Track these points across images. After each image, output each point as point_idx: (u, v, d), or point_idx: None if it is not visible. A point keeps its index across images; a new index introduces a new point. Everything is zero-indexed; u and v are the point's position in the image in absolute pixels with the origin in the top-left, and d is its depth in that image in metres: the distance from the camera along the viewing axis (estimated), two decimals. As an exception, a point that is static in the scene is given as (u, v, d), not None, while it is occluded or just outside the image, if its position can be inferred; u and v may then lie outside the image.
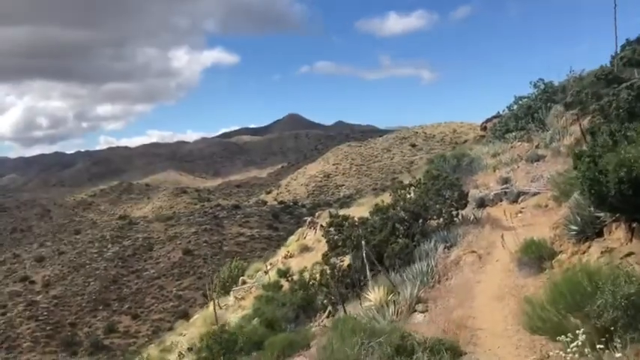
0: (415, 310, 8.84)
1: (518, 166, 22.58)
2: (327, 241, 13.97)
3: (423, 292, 9.43)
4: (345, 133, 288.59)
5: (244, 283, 26.91)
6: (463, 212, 15.58)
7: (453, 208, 14.21)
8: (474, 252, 11.35)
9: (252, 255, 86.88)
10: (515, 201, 18.98)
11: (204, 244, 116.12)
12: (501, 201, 19.84)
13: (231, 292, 26.23)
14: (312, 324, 14.27)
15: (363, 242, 11.42)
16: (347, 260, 13.73)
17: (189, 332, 26.62)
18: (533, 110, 25.35)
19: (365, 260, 11.13)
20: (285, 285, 17.64)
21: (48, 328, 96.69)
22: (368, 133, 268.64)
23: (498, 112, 33.64)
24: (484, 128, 38.72)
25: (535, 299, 5.85)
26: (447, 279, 10.56)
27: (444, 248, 12.35)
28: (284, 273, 18.86)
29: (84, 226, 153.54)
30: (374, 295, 9.12)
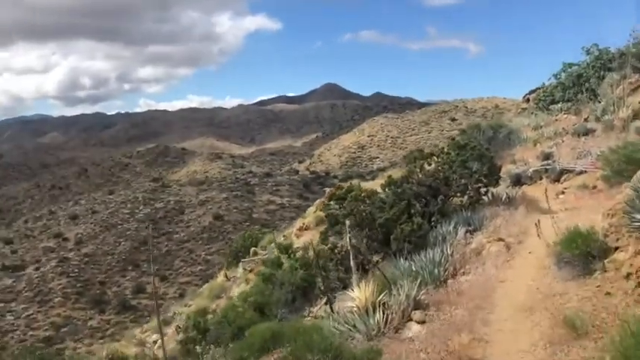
0: (411, 319, 6.61)
1: (563, 141, 19.86)
2: (325, 216, 11.88)
3: (424, 294, 7.14)
4: (382, 105, 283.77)
5: (256, 254, 25.10)
6: (494, 190, 13.18)
7: (482, 184, 11.84)
8: (501, 240, 9.04)
9: (280, 224, 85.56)
10: (557, 180, 16.46)
11: (235, 210, 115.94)
12: (541, 179, 17.32)
13: (241, 264, 24.47)
14: (308, 310, 12.30)
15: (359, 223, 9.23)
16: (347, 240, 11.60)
17: (196, 303, 25.12)
18: (585, 79, 22.33)
19: (363, 243, 8.99)
20: (286, 262, 15.62)
21: (78, 285, 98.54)
22: (406, 105, 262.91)
23: (543, 84, 30.42)
24: (527, 100, 35.56)
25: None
26: (463, 273, 8.31)
27: (466, 232, 10.09)
28: (285, 248, 16.80)
29: (118, 186, 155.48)
30: (358, 293, 6.88)
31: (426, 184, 11.22)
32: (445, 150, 12.58)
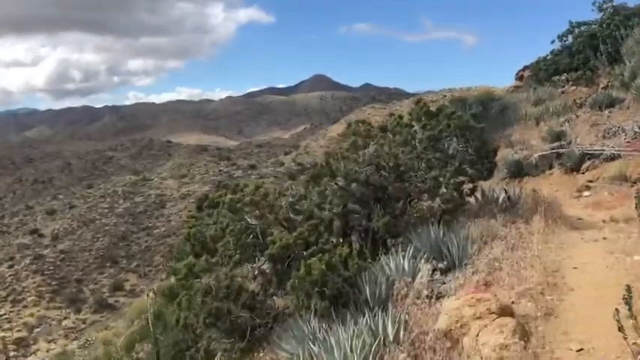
0: None
1: (578, 116, 15.02)
2: (186, 239, 7.00)
3: None
4: (371, 95, 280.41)
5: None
6: (485, 185, 8.34)
7: (465, 176, 6.99)
8: (504, 311, 3.94)
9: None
10: (576, 168, 11.65)
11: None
12: (551, 168, 12.54)
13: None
14: None
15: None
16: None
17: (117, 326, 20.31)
18: (601, 38, 17.41)
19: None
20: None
21: (53, 283, 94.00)
22: (395, 95, 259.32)
23: (539, 58, 25.30)
24: (520, 77, 30.37)
25: None
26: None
27: (432, 273, 5.22)
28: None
29: (98, 180, 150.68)
30: None
31: (363, 182, 6.33)
32: (403, 121, 7.65)
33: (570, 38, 20.65)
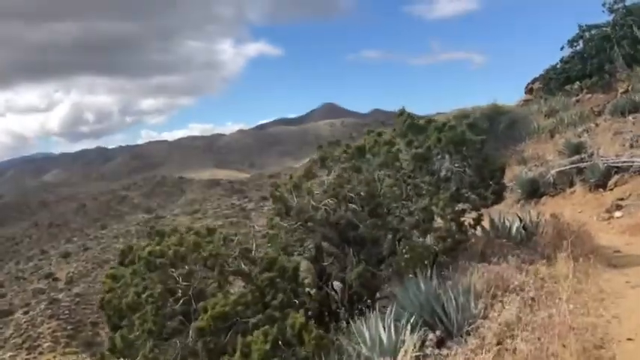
0: None
1: (597, 125, 13.38)
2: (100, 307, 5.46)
3: None
4: (380, 120, 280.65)
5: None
6: (495, 210, 6.76)
7: (466, 202, 5.44)
8: None
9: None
10: (601, 185, 9.95)
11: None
12: (572, 185, 10.87)
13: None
14: None
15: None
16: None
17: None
18: (616, 40, 15.92)
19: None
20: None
21: (69, 327, 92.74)
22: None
23: (548, 67, 23.68)
24: (529, 90, 28.76)
25: None
26: None
27: (419, 348, 3.56)
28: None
29: (112, 221, 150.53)
30: None
31: (322, 220, 4.80)
32: (383, 138, 6.10)
33: (581, 43, 19.11)
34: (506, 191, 12.79)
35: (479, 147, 6.12)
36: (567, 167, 11.36)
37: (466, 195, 5.98)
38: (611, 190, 9.74)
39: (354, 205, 5.37)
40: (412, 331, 4.15)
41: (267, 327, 4.07)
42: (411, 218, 5.44)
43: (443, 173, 5.94)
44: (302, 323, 4.09)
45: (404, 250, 5.52)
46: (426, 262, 5.47)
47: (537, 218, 7.25)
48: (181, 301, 4.70)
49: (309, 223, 5.39)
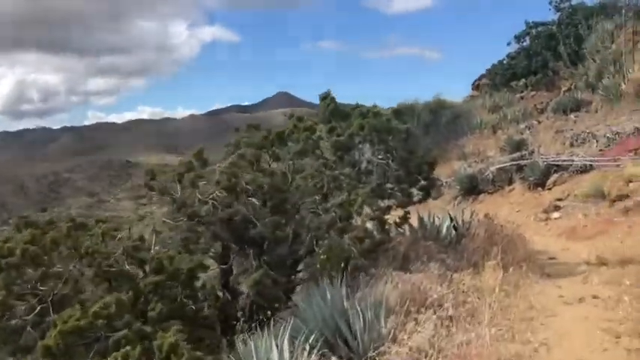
0: None
1: (540, 122, 13.13)
2: None
3: None
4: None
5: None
6: (429, 207, 6.18)
7: (390, 200, 4.79)
8: None
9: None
10: (540, 183, 9.60)
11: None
12: (511, 182, 10.51)
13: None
14: None
15: None
16: None
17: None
18: (561, 38, 15.79)
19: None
20: None
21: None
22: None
23: (495, 63, 23.52)
24: (477, 87, 28.73)
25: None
26: None
27: None
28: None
29: (51, 204, 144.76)
30: None
31: (208, 215, 4.05)
32: (303, 124, 5.38)
33: (527, 40, 18.94)
34: (445, 187, 12.37)
35: (404, 137, 5.48)
36: (507, 164, 10.98)
37: (389, 191, 5.35)
38: (550, 189, 9.39)
39: (253, 200, 4.63)
40: (310, 352, 3.46)
41: (128, 348, 3.30)
42: (327, 215, 4.75)
43: (364, 165, 5.28)
44: (171, 344, 3.34)
45: (320, 252, 4.83)
46: (335, 271, 4.78)
47: (470, 217, 6.72)
48: (37, 311, 3.85)
49: (196, 219, 4.60)
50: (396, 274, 4.19)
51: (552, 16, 18.82)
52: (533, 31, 18.76)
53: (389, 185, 5.39)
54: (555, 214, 8.26)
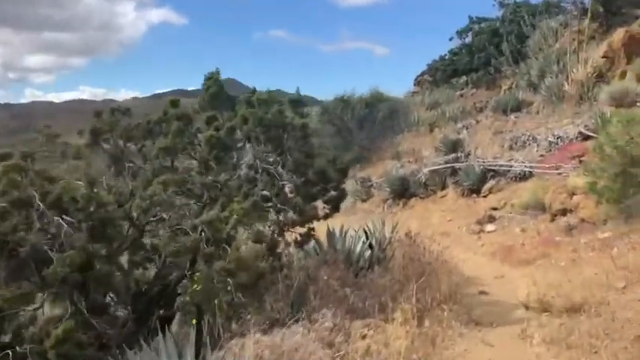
0: None
1: (478, 121, 12.35)
2: None
3: None
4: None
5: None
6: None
7: (280, 213, 3.60)
8: None
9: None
10: (475, 189, 8.71)
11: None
12: (444, 187, 9.61)
13: None
14: None
15: None
16: None
17: None
18: (504, 35, 15.12)
19: None
20: None
21: None
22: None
23: (437, 58, 22.78)
24: (419, 83, 28.12)
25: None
26: None
27: None
28: None
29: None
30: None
31: None
32: (175, 111, 4.17)
33: (470, 35, 18.23)
34: (375, 188, 11.36)
35: (302, 135, 4.33)
36: (441, 166, 10.08)
37: (279, 206, 4.18)
38: (485, 196, 8.53)
39: (61, 219, 3.32)
40: None
41: None
42: (187, 237, 3.53)
43: (243, 171, 4.10)
44: None
45: (181, 287, 3.62)
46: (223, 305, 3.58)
47: (392, 233, 5.66)
48: None
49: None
50: (260, 339, 3.00)
51: (496, 12, 18.25)
52: (477, 26, 18.10)
53: (277, 199, 4.20)
54: (490, 227, 7.36)
